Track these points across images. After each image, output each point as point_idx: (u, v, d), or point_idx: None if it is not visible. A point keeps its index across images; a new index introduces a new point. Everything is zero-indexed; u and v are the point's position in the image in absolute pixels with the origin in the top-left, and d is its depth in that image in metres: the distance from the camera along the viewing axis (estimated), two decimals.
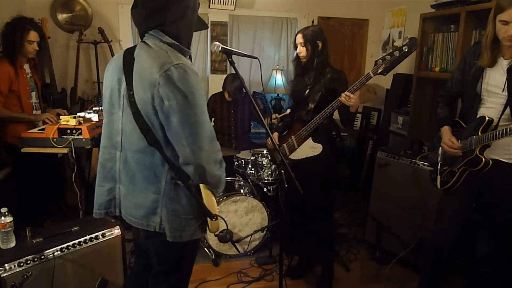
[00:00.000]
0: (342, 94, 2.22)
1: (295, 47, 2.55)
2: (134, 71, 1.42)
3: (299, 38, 2.49)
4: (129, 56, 1.46)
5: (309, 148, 2.47)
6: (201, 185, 1.47)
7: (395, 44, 2.07)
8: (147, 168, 1.47)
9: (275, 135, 2.69)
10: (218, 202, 2.99)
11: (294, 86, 2.65)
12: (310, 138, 2.47)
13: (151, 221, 1.50)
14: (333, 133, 2.79)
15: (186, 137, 1.35)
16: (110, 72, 1.54)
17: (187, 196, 1.48)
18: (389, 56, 2.08)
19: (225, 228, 1.72)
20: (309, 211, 2.60)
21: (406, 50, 2.04)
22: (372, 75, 2.15)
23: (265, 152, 3.08)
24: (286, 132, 2.68)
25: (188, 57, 1.49)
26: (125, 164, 1.53)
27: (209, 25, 4.27)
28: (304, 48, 2.47)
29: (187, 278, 1.75)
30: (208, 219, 1.51)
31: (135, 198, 1.52)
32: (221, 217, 1.53)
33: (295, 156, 2.54)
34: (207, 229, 1.55)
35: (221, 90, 3.72)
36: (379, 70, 2.12)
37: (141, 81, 1.38)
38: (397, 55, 2.06)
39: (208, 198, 1.49)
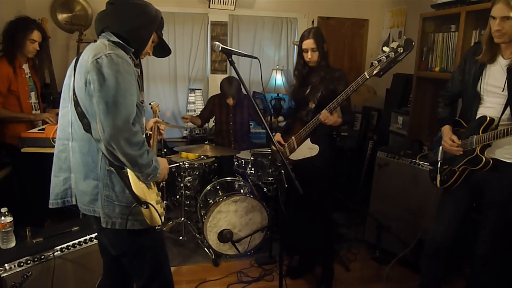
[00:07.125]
0: (322, 113, 2.29)
1: (300, 53, 2.50)
2: (77, 64, 1.54)
3: (311, 44, 2.43)
4: (80, 55, 1.58)
5: (307, 149, 2.47)
6: (129, 171, 1.52)
7: (391, 45, 2.05)
8: (86, 155, 1.56)
9: (278, 135, 2.68)
10: (218, 202, 3.00)
11: (294, 90, 2.63)
12: (309, 139, 2.46)
13: (96, 207, 1.58)
14: (334, 133, 2.76)
15: (99, 114, 1.43)
16: (67, 72, 1.65)
17: (120, 183, 1.54)
18: (384, 58, 2.07)
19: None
20: (309, 211, 2.60)
21: (401, 51, 2.02)
22: (368, 77, 2.14)
23: (264, 152, 3.08)
24: (288, 132, 2.67)
25: (129, 55, 1.57)
26: (74, 153, 1.62)
27: (209, 25, 4.27)
28: (316, 52, 2.44)
29: (165, 271, 1.77)
30: (142, 209, 1.54)
31: (81, 185, 1.60)
32: (152, 205, 1.55)
33: (294, 156, 2.55)
34: (146, 221, 1.58)
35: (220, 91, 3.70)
36: (375, 72, 2.11)
37: (80, 70, 1.50)
38: (392, 56, 2.05)
39: (136, 184, 1.53)
